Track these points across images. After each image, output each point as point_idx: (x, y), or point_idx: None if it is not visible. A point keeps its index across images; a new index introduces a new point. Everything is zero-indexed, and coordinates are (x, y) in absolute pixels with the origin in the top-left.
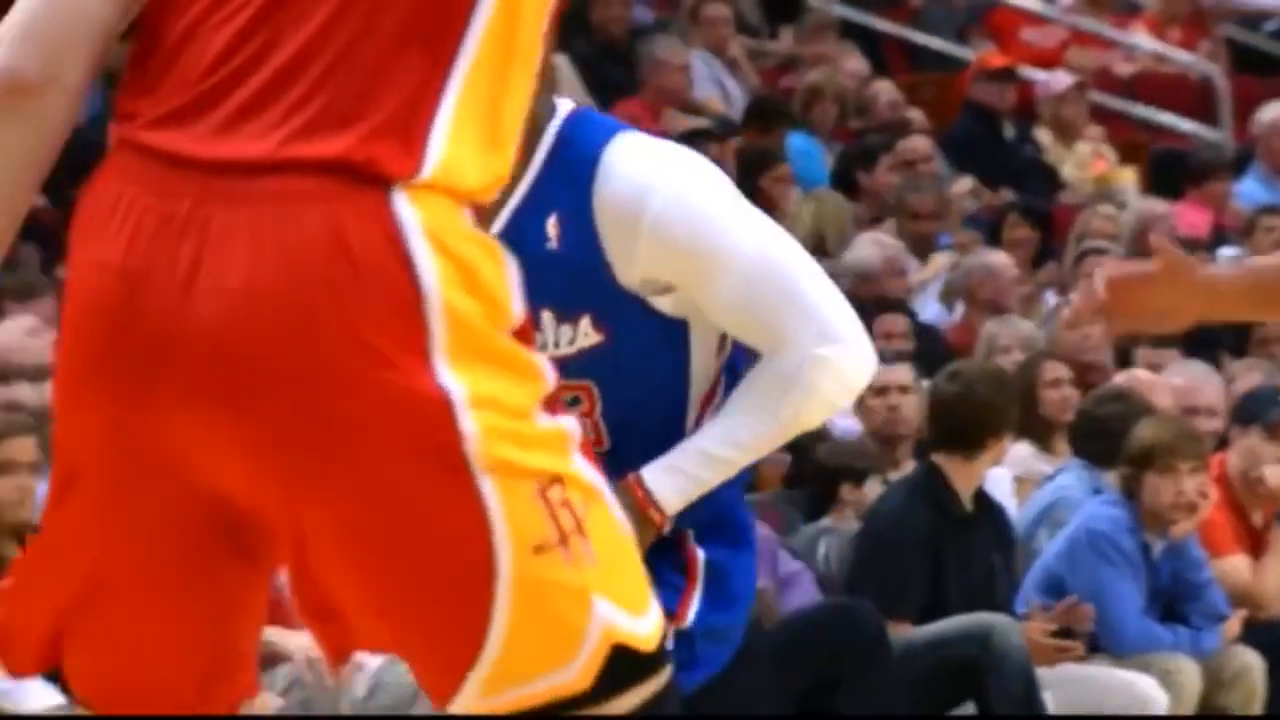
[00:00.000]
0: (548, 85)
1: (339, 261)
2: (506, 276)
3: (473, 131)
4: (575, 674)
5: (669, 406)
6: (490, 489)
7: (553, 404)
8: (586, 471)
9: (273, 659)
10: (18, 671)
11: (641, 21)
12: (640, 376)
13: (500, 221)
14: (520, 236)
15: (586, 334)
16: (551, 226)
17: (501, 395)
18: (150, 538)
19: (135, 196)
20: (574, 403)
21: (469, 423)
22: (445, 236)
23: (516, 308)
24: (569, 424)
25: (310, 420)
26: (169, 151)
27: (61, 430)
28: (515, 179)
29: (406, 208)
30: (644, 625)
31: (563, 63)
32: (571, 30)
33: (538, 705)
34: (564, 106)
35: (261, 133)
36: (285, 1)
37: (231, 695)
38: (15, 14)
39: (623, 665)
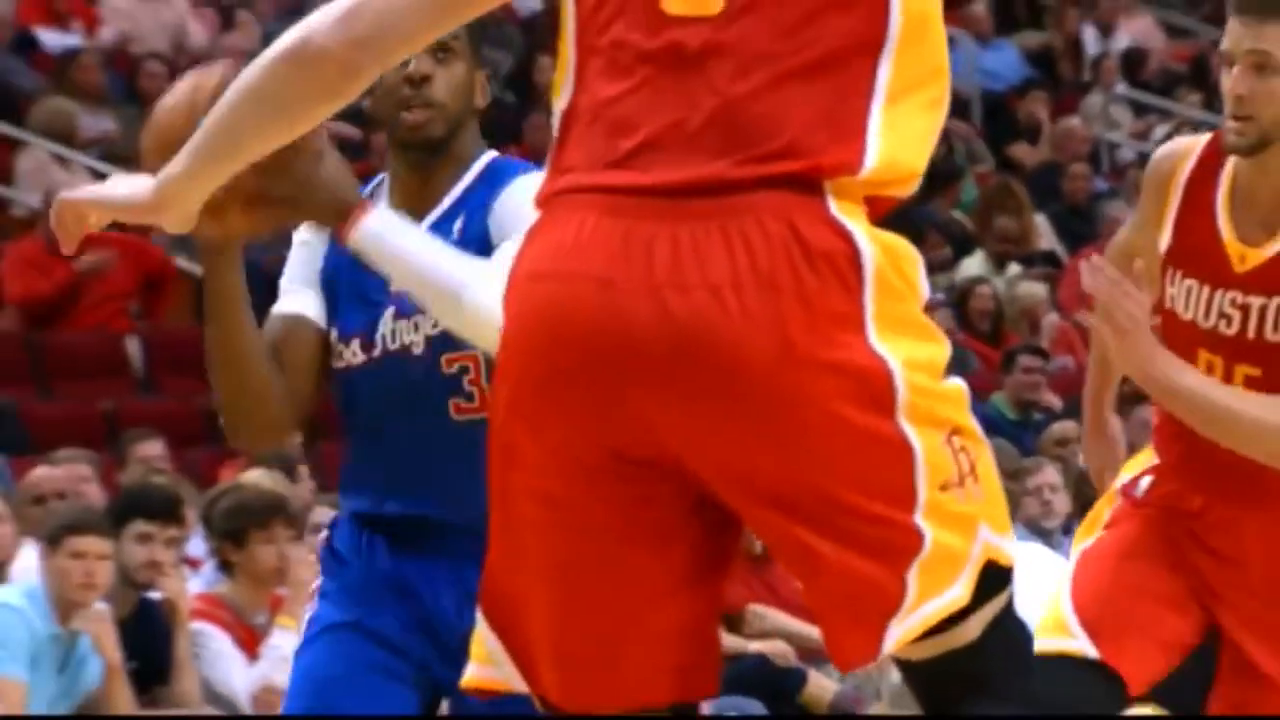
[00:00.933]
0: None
1: (795, 251)
2: (919, 264)
3: (894, 139)
4: (961, 589)
5: None
6: (913, 434)
7: (948, 368)
8: (975, 424)
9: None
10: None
11: (1099, 189)
12: None
13: (425, 222)
14: (435, 232)
15: None
16: (458, 224)
17: (921, 358)
18: (632, 526)
19: (599, 222)
20: (462, 371)
21: (902, 382)
22: (870, 230)
23: (926, 290)
24: (962, 383)
25: (767, 394)
26: (625, 185)
27: (522, 443)
28: (443, 192)
29: (839, 206)
30: (1007, 544)
31: (1040, 219)
32: (1048, 197)
33: (930, 626)
34: (491, 152)
35: (707, 160)
36: (687, 70)
37: (703, 687)
38: None
39: (989, 579)
